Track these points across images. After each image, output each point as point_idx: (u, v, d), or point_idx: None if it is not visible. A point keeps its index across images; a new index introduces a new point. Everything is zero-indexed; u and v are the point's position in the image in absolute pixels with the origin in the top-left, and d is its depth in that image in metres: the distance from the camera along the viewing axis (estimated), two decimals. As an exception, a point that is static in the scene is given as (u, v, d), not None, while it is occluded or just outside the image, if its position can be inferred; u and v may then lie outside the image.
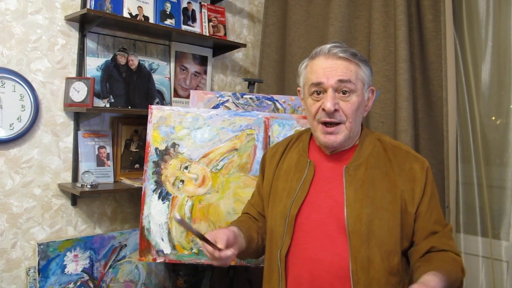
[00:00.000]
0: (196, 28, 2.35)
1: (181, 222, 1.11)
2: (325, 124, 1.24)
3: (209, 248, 1.17)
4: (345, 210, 1.21)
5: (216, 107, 1.97)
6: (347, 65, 1.23)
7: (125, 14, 2.05)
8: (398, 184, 1.24)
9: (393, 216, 1.21)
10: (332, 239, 1.22)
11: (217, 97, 1.98)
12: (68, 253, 1.87)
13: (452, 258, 1.20)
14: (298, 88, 1.38)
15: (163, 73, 2.26)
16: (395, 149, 1.30)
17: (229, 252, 1.18)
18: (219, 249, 1.17)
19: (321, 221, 1.25)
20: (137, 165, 2.14)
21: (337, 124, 1.24)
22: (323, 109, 1.22)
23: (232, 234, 1.24)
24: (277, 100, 2.00)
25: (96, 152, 2.00)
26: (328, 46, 1.26)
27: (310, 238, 1.25)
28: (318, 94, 1.25)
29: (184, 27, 2.29)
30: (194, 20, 2.35)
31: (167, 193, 1.76)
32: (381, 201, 1.22)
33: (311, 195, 1.28)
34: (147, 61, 2.19)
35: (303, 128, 1.82)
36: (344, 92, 1.23)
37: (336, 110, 1.22)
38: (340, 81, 1.21)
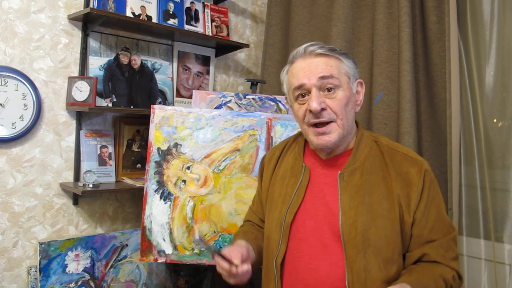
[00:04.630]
0: (199, 28, 2.34)
1: (200, 242, 1.10)
2: (316, 125, 1.19)
3: (225, 265, 1.14)
4: (339, 218, 1.16)
5: (218, 107, 1.96)
6: (327, 61, 1.18)
7: (128, 14, 2.04)
8: (395, 189, 1.17)
9: (390, 223, 1.15)
10: (328, 248, 1.17)
11: (220, 98, 1.98)
12: (69, 253, 1.87)
13: (439, 274, 1.13)
14: (285, 96, 1.32)
15: (165, 73, 2.26)
16: (391, 151, 1.23)
17: (245, 266, 1.15)
18: (236, 265, 1.14)
19: (316, 228, 1.20)
20: (139, 165, 2.14)
21: (328, 123, 1.18)
22: (310, 111, 1.17)
23: (245, 250, 1.22)
24: (279, 101, 2.00)
25: (98, 152, 1.99)
26: (303, 46, 1.22)
27: (305, 246, 1.21)
28: (303, 96, 1.20)
29: (187, 27, 2.29)
30: (197, 20, 2.35)
31: (169, 193, 1.76)
32: (377, 208, 1.16)
33: (307, 201, 1.24)
34: (149, 61, 2.19)
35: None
36: (329, 90, 1.17)
37: (323, 109, 1.16)
38: (322, 78, 1.16)
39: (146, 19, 2.11)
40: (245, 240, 1.33)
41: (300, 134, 1.40)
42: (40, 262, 1.80)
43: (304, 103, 1.19)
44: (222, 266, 1.16)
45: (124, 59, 2.09)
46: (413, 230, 1.17)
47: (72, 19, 1.93)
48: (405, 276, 1.13)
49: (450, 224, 1.21)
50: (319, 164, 1.27)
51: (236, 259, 1.15)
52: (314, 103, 1.15)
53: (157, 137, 1.77)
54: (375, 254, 1.13)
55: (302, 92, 1.20)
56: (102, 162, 2.00)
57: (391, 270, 1.14)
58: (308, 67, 1.18)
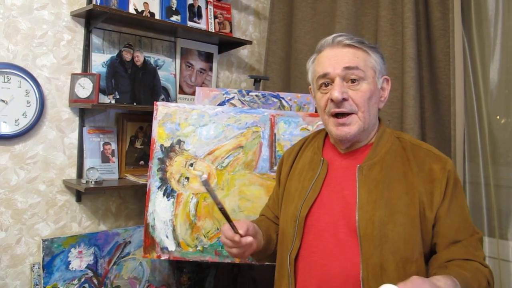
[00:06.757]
0: (202, 25, 2.34)
1: (206, 184, 1.04)
2: (337, 116, 1.17)
3: (229, 232, 1.13)
4: (356, 212, 1.13)
5: (222, 104, 1.96)
6: (354, 52, 1.17)
7: (131, 10, 2.04)
8: (416, 185, 1.14)
9: (410, 220, 1.11)
10: (343, 243, 1.14)
11: (223, 94, 1.97)
12: (72, 249, 1.87)
13: (475, 267, 1.08)
14: (309, 86, 1.31)
15: (168, 70, 2.25)
16: (415, 148, 1.21)
17: (249, 238, 1.13)
18: (240, 235, 1.13)
19: (331, 223, 1.17)
20: (142, 162, 2.14)
21: (348, 114, 1.16)
22: (332, 100, 1.15)
23: (252, 226, 1.20)
24: (283, 98, 1.99)
25: (101, 149, 1.99)
26: (332, 36, 1.21)
27: (319, 241, 1.18)
28: (326, 86, 1.18)
29: (189, 23, 2.28)
30: (200, 16, 2.34)
31: (172, 190, 1.75)
32: (396, 203, 1.12)
33: (323, 195, 1.21)
34: (152, 58, 2.19)
35: (309, 126, 1.81)
36: (353, 81, 1.15)
37: (345, 99, 1.14)
38: (347, 68, 1.15)
39: (149, 15, 2.11)
40: (257, 225, 1.31)
41: (320, 130, 1.38)
42: (43, 259, 1.80)
43: (327, 93, 1.18)
44: (225, 233, 1.15)
45: (127, 56, 2.09)
46: (438, 229, 1.13)
47: (75, 15, 1.92)
48: (441, 272, 1.05)
49: (474, 227, 1.17)
50: (338, 158, 1.25)
51: (241, 229, 1.14)
52: (336, 92, 1.14)
53: (160, 134, 1.77)
54: (392, 252, 1.09)
55: (326, 81, 1.18)
56: (105, 159, 2.00)
57: (410, 269, 1.09)
58: (334, 56, 1.17)
